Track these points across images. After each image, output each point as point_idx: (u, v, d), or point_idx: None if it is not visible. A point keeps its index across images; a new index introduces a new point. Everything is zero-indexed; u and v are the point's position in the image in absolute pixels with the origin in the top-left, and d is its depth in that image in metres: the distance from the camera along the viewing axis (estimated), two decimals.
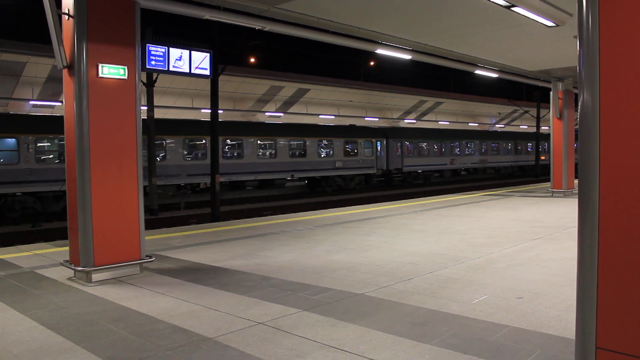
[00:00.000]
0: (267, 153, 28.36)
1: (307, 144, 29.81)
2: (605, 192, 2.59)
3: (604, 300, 2.58)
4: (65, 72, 6.53)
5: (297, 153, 29.53)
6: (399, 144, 34.93)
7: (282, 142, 28.76)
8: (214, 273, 6.86)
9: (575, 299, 2.74)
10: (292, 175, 29.26)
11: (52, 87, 27.32)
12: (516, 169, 47.48)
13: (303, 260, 7.57)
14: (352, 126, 34.88)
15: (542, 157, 47.15)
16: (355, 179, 32.79)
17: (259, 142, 27.75)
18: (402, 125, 46.72)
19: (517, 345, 4.09)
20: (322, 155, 30.71)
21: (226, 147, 26.52)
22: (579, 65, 2.71)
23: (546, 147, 46.98)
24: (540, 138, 46.99)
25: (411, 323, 4.66)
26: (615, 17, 2.56)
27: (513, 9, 8.47)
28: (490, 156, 43.09)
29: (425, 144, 37.24)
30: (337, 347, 4.11)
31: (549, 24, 9.52)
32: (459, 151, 40.00)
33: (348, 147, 31.97)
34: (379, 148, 33.77)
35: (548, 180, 32.38)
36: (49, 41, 6.47)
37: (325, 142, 30.84)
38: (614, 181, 2.57)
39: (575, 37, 2.80)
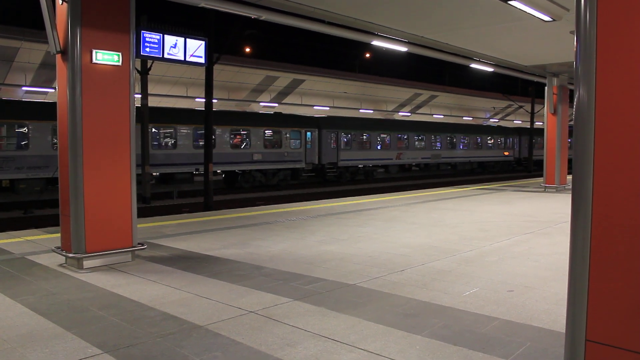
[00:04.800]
0: (165, 143, 24.69)
1: (217, 133, 25.56)
2: (599, 187, 2.60)
3: (595, 294, 2.59)
4: (58, 57, 6.48)
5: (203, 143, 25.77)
6: (333, 135, 31.13)
7: (183, 130, 25.05)
8: (206, 262, 6.86)
9: (565, 293, 2.76)
10: (197, 170, 25.41)
11: (45, 74, 27.12)
12: (475, 166, 43.43)
13: (296, 250, 7.58)
14: (277, 114, 31.06)
15: (506, 153, 44.93)
16: (279, 174, 28.85)
17: (153, 130, 23.77)
18: (396, 118, 46.73)
19: (507, 337, 4.12)
20: (236, 147, 26.94)
21: None
22: (575, 61, 2.71)
23: (512, 142, 45.44)
24: (521, 133, 46.51)
25: (402, 314, 4.68)
26: (613, 13, 2.55)
27: (510, 2, 8.47)
28: (445, 151, 39.27)
29: (367, 135, 33.24)
30: (327, 337, 4.13)
31: (546, 18, 9.53)
32: (407, 144, 36.10)
33: (269, 138, 28.19)
34: (309, 139, 29.91)
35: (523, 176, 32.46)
36: (42, 26, 6.40)
37: (239, 131, 27.04)
38: (607, 177, 2.58)
39: (571, 32, 2.80)
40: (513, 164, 46.38)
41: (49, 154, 20.65)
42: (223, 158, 25.79)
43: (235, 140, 27.02)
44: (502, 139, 44.85)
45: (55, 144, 20.64)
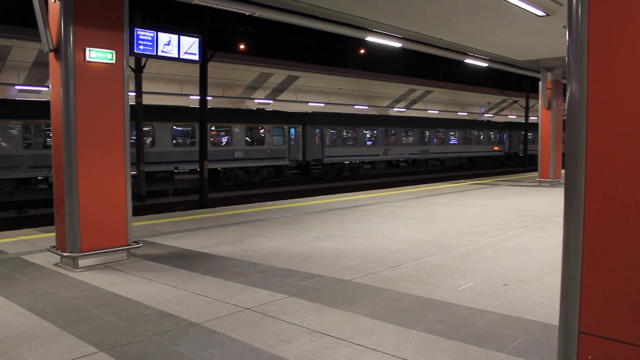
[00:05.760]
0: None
1: (197, 130, 23.70)
2: (591, 181, 2.62)
3: (588, 287, 2.61)
4: (51, 55, 6.45)
5: (184, 141, 25.08)
6: (318, 131, 30.27)
7: (162, 128, 24.08)
8: (201, 259, 6.86)
9: (559, 286, 2.78)
10: (176, 168, 24.67)
11: (38, 72, 27.00)
12: (465, 161, 42.34)
13: (291, 246, 7.59)
14: (259, 110, 30.55)
15: (496, 148, 44.12)
16: (262, 171, 28.01)
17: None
18: (391, 114, 46.73)
19: (502, 331, 4.14)
20: (217, 144, 26.13)
21: None
22: (567, 56, 2.72)
23: (502, 137, 44.76)
24: (511, 127, 46.14)
25: (398, 309, 4.70)
26: (604, 8, 2.57)
27: None
28: (434, 146, 38.42)
29: (353, 131, 32.50)
30: (323, 333, 4.14)
31: (539, 13, 9.54)
32: (394, 140, 35.21)
33: (251, 135, 27.47)
34: (293, 136, 29.15)
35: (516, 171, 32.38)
36: (35, 25, 6.37)
37: (220, 128, 26.38)
38: (599, 171, 2.59)
39: (564, 27, 2.81)
40: (503, 159, 45.81)
41: (19, 153, 20.16)
42: None
43: (217, 138, 26.35)
44: (492, 133, 44.12)
45: (27, 143, 20.42)
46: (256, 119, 28.28)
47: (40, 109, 20.49)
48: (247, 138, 27.39)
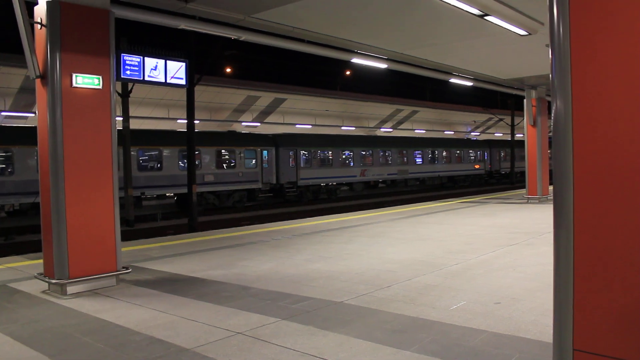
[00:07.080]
0: None
1: (164, 154, 24.54)
2: (579, 197, 2.63)
3: (580, 303, 2.61)
4: (38, 82, 6.44)
5: (150, 165, 24.27)
6: (292, 152, 29.66)
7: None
8: (192, 283, 6.80)
9: (551, 303, 2.78)
10: (143, 193, 23.90)
11: (24, 98, 26.89)
12: (445, 180, 41.95)
13: (282, 269, 7.54)
14: (230, 132, 30.08)
15: (477, 166, 43.70)
16: (234, 195, 27.34)
17: None
18: (378, 134, 46.94)
19: (495, 349, 4.12)
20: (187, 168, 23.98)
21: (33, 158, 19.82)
22: (551, 73, 2.76)
23: (482, 155, 44.48)
24: (492, 145, 46.18)
25: (390, 330, 4.67)
26: (585, 26, 2.61)
27: (486, 18, 8.61)
28: (412, 166, 37.64)
29: (328, 152, 31.85)
30: (316, 356, 4.10)
31: (522, 32, 9.70)
32: (372, 160, 34.52)
33: (222, 158, 26.85)
34: (265, 158, 28.53)
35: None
36: (21, 51, 6.37)
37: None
38: (587, 186, 2.61)
39: (547, 45, 2.85)
40: (485, 177, 45.37)
41: None
42: (173, 180, 24.35)
43: (184, 161, 24.38)
44: (472, 151, 43.58)
45: None
46: (227, 142, 27.67)
47: None
48: (218, 161, 26.73)
